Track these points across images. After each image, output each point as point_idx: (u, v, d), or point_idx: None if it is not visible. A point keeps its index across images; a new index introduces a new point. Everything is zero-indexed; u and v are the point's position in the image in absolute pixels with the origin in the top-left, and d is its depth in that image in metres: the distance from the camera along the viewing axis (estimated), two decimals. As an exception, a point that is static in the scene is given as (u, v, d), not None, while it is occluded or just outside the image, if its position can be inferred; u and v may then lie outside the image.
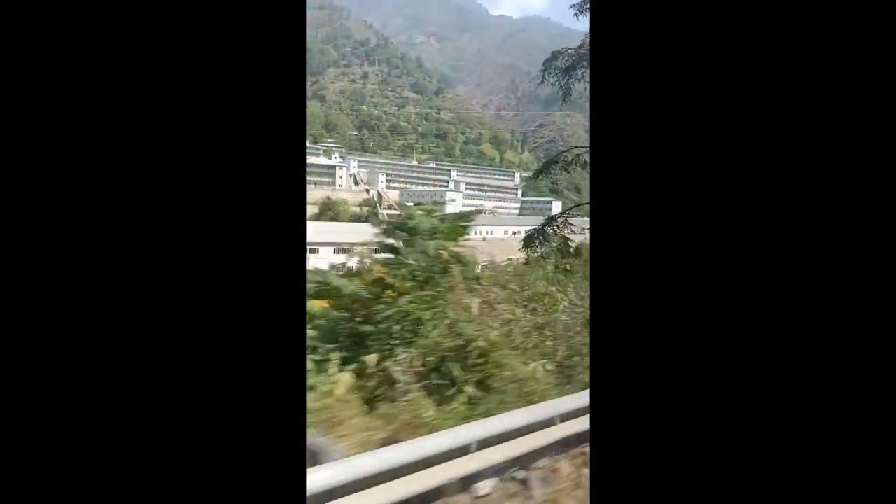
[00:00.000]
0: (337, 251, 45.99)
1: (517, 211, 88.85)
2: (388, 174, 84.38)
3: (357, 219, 58.68)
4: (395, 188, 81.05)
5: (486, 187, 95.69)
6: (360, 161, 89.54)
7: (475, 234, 62.92)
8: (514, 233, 71.32)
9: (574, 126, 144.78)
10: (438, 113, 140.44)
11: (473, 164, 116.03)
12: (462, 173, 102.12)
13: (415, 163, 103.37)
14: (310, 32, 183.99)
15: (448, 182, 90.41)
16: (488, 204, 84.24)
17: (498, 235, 65.16)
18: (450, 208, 71.93)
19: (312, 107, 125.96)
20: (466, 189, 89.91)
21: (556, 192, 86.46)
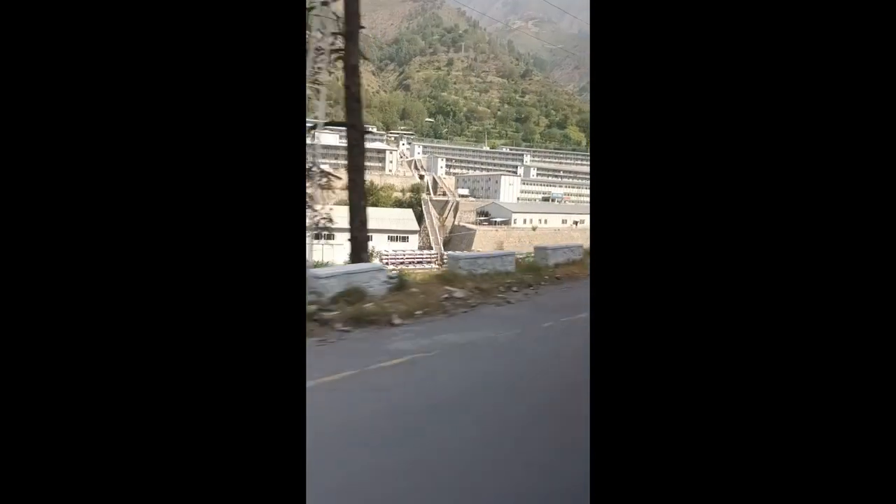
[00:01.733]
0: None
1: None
2: (448, 159, 79.64)
3: (399, 204, 55.15)
4: (454, 174, 76.11)
5: (561, 173, 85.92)
6: (424, 146, 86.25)
7: (524, 222, 54.39)
8: (576, 222, 62.07)
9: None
10: (523, 97, 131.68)
11: (555, 148, 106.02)
12: (537, 158, 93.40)
13: (486, 148, 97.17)
14: (402, 24, 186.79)
15: (517, 167, 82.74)
16: (557, 191, 74.97)
17: (553, 224, 56.79)
18: (504, 195, 65.04)
19: (395, 97, 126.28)
20: (538, 174, 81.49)
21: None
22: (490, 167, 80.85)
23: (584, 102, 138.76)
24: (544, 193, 73.40)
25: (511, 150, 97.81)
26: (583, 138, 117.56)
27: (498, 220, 54.10)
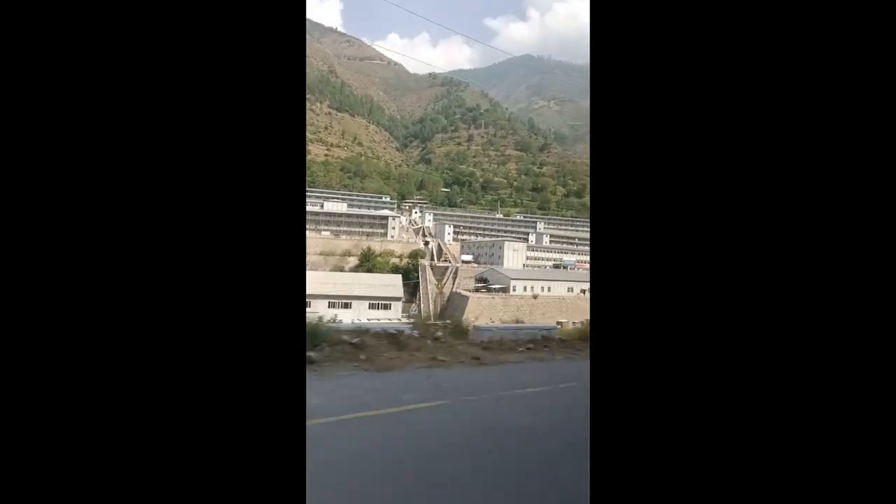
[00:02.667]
0: (331, 305, 40.53)
1: (611, 267, 73.35)
2: (455, 226, 78.37)
3: (396, 270, 53.04)
4: (461, 240, 74.35)
5: (576, 240, 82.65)
6: (436, 214, 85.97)
7: (525, 289, 50.59)
8: (584, 290, 57.47)
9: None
10: (541, 168, 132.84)
11: (573, 216, 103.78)
12: (552, 226, 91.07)
13: (499, 215, 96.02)
14: (428, 106, 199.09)
15: (528, 234, 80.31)
16: (569, 258, 71.20)
17: (558, 292, 52.58)
18: (508, 261, 61.92)
19: (416, 170, 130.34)
20: (551, 241, 78.54)
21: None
22: (501, 234, 78.82)
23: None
24: (556, 260, 69.84)
25: (525, 217, 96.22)
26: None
27: (495, 286, 50.61)
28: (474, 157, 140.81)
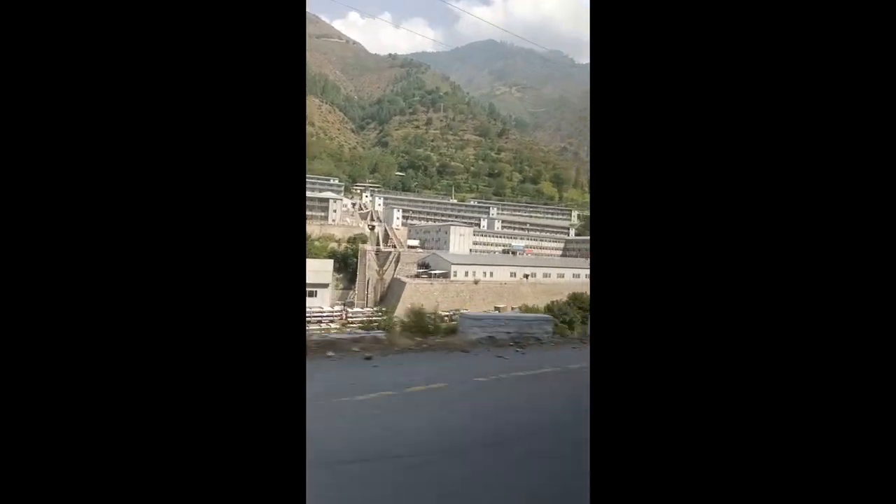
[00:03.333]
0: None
1: (560, 252, 73.16)
2: (405, 210, 75.81)
3: (334, 255, 50.07)
4: (411, 224, 71.95)
5: (528, 226, 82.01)
6: (386, 198, 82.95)
7: (466, 274, 48.69)
8: (526, 276, 56.82)
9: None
10: (499, 154, 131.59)
11: (528, 202, 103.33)
12: (506, 211, 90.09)
13: (452, 200, 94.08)
14: (388, 87, 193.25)
15: (480, 219, 78.86)
16: (518, 243, 70.38)
17: (500, 277, 51.44)
18: (454, 246, 60.19)
19: (371, 152, 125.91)
20: (503, 227, 77.47)
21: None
22: (453, 219, 76.88)
23: (559, 160, 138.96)
24: (505, 246, 68.83)
25: (479, 202, 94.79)
26: (555, 193, 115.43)
27: (436, 272, 48.73)
28: (432, 140, 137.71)
